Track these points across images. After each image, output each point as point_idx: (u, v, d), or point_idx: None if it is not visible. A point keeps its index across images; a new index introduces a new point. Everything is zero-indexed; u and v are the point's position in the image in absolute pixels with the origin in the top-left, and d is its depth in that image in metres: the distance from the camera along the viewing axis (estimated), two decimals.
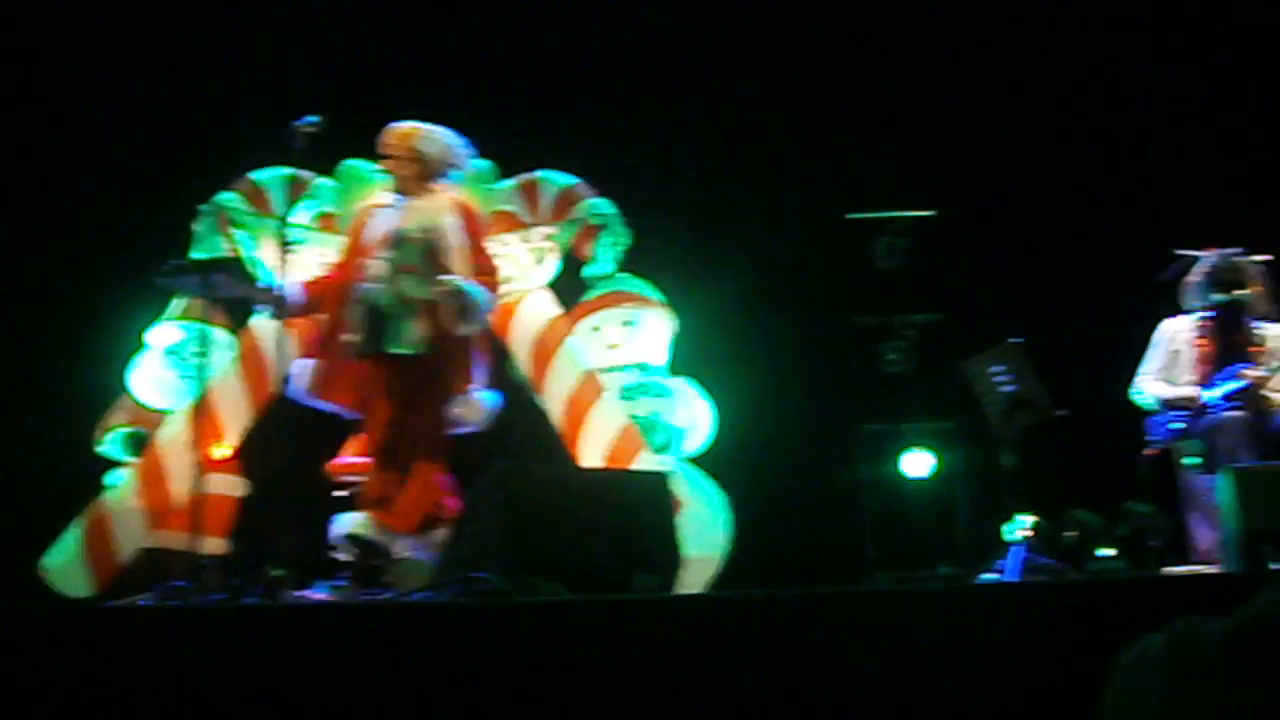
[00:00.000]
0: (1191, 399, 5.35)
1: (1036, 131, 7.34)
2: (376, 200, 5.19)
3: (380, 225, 4.90)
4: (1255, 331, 5.42)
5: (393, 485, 4.70)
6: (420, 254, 4.77)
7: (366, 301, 4.78)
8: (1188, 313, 5.58)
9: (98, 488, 6.30)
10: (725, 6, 7.63)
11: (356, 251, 4.96)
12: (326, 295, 4.92)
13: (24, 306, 6.73)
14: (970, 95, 7.43)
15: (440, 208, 4.84)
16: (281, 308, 4.84)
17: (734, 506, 6.42)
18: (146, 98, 7.05)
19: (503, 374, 5.91)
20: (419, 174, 4.87)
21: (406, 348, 4.74)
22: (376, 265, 4.80)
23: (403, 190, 4.90)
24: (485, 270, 4.88)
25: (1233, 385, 5.29)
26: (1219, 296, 5.42)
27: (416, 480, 4.73)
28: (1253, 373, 5.26)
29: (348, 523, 4.67)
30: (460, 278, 4.75)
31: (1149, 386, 5.54)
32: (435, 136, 4.92)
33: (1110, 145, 7.42)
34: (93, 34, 7.12)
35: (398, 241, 4.79)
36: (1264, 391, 5.27)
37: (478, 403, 4.91)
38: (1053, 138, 7.36)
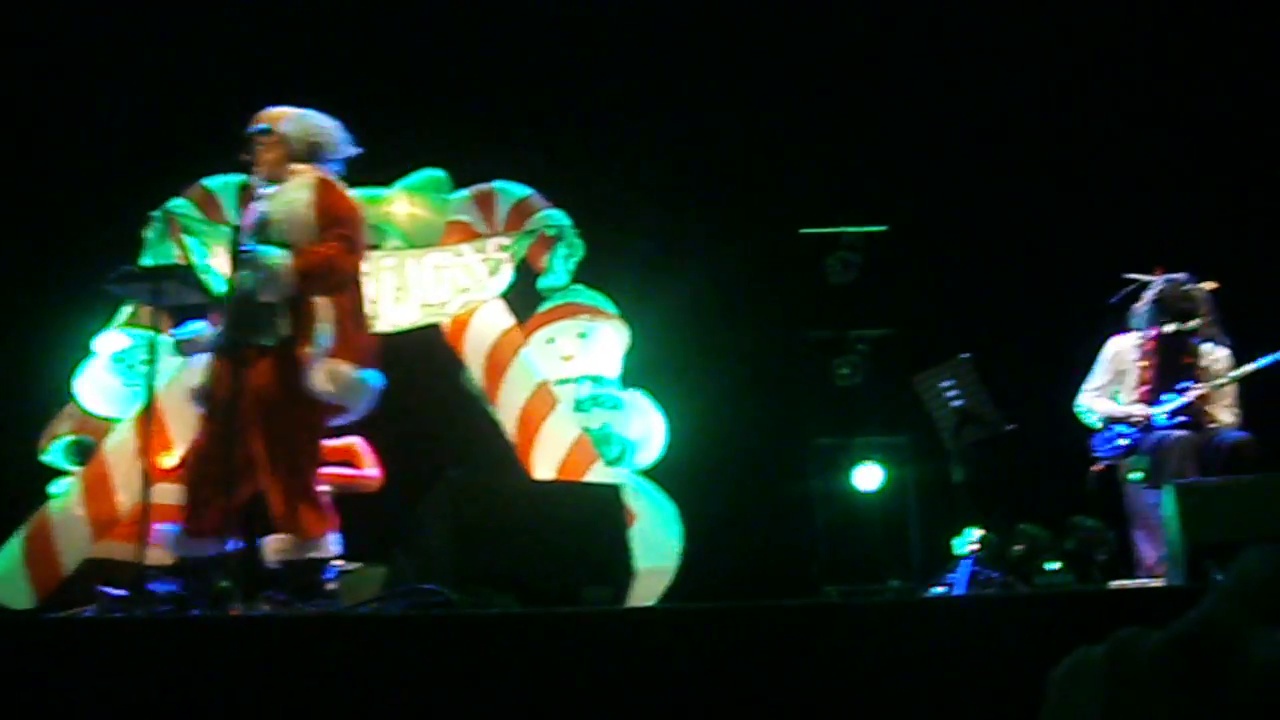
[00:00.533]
0: (1137, 417, 5.41)
1: (988, 149, 7.43)
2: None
3: (251, 215, 4.73)
4: (1199, 351, 5.49)
5: (284, 499, 4.41)
6: (282, 237, 4.54)
7: (232, 294, 4.51)
8: (1134, 330, 5.65)
9: (41, 497, 6.21)
10: (681, 21, 7.66)
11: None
12: None
13: None
14: (922, 112, 7.51)
15: (299, 187, 4.63)
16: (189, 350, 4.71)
17: (686, 519, 6.42)
18: (98, 103, 6.99)
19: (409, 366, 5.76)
20: (283, 157, 4.68)
21: (272, 338, 4.48)
22: (244, 254, 4.56)
23: (271, 177, 4.70)
24: (332, 238, 4.53)
25: (1178, 403, 5.37)
26: (1170, 325, 5.47)
27: (303, 487, 4.45)
28: (1196, 391, 5.34)
29: (270, 552, 4.44)
30: (264, 247, 4.46)
31: (1093, 403, 5.60)
32: (298, 117, 4.73)
33: (1060, 165, 7.52)
34: (43, 40, 7.04)
35: (260, 228, 4.60)
36: (1208, 408, 5.36)
37: (331, 371, 4.47)
38: (1004, 155, 7.45)
